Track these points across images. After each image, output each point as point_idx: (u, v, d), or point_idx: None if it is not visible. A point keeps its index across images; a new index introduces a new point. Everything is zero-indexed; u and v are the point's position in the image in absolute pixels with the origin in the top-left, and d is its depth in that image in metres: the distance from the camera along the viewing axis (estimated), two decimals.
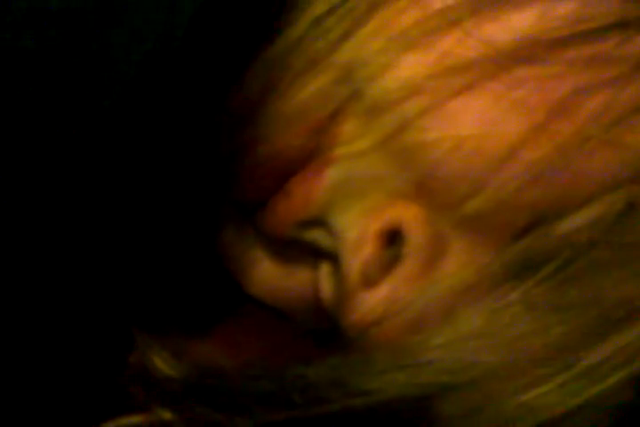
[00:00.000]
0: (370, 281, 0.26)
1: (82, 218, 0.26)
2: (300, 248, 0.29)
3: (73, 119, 0.24)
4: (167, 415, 0.28)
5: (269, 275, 0.30)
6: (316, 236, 0.27)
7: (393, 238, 0.26)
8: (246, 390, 0.26)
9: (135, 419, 0.30)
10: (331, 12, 0.25)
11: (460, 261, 0.26)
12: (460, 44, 0.25)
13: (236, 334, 0.31)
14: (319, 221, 0.27)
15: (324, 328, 0.30)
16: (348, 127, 0.26)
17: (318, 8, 0.26)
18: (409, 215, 0.26)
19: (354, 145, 0.26)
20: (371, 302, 0.25)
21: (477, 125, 0.25)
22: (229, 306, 0.32)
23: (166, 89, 0.24)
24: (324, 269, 0.28)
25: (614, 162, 0.25)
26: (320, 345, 0.29)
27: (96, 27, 0.23)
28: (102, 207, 0.26)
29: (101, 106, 0.23)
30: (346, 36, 0.25)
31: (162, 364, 0.29)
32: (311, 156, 0.26)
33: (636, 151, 0.25)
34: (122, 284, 0.29)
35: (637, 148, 0.25)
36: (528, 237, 0.25)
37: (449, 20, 0.24)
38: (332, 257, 0.28)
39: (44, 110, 0.23)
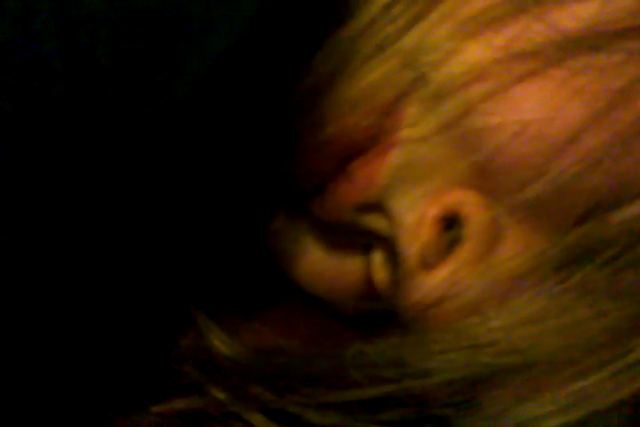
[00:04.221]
0: (428, 264, 0.26)
1: (139, 199, 0.26)
2: (353, 236, 0.29)
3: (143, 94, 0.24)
4: (221, 396, 0.29)
5: (319, 264, 0.30)
6: (374, 221, 0.28)
7: (450, 223, 0.27)
8: (303, 369, 0.27)
9: (185, 402, 0.30)
10: None
11: (518, 246, 0.26)
12: (526, 31, 0.25)
13: (289, 316, 0.31)
14: (378, 206, 0.28)
15: (364, 315, 0.30)
16: (413, 111, 0.26)
17: None
18: (468, 200, 0.26)
19: (417, 128, 0.26)
20: (430, 283, 0.26)
21: (540, 111, 0.25)
22: (283, 292, 0.32)
23: (237, 74, 0.25)
24: (379, 256, 0.29)
25: None
26: (361, 331, 0.29)
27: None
28: (160, 190, 0.27)
29: (177, 85, 0.24)
30: (414, 21, 0.26)
31: (219, 343, 0.29)
32: (374, 139, 0.27)
33: None
34: (179, 265, 0.29)
35: None
36: (587, 223, 0.26)
37: (516, 7, 0.25)
38: (388, 242, 0.28)
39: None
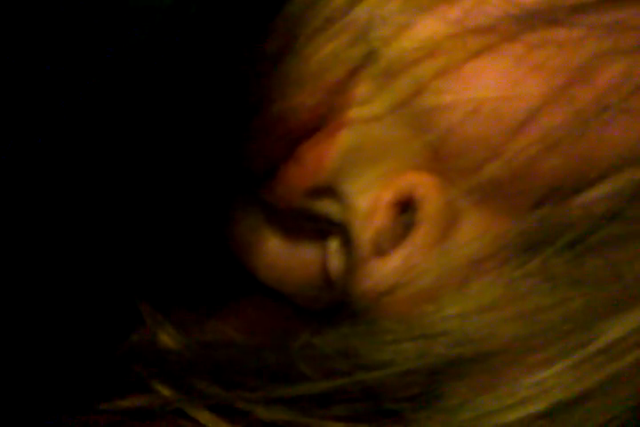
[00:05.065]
0: (382, 250, 0.25)
1: (90, 190, 0.25)
2: (307, 223, 0.28)
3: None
4: (167, 392, 0.28)
5: (276, 253, 0.29)
6: (326, 206, 0.27)
7: (405, 207, 0.26)
8: (251, 362, 0.26)
9: (133, 401, 0.29)
10: None
11: (475, 231, 0.25)
12: (482, 4, 0.24)
13: (247, 312, 0.30)
14: (329, 190, 0.27)
15: (324, 310, 0.29)
16: (363, 89, 0.25)
17: None
18: (422, 183, 0.25)
19: (368, 107, 0.25)
20: (383, 270, 0.25)
21: (495, 88, 0.24)
22: (240, 287, 0.31)
23: (185, 42, 0.23)
24: (333, 243, 0.28)
25: (632, 134, 0.25)
26: (313, 323, 0.28)
27: None
28: (112, 181, 0.26)
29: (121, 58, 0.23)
30: None
31: (167, 338, 0.28)
32: (325, 120, 0.26)
33: None
34: (130, 260, 0.28)
35: None
36: (546, 206, 0.25)
37: None
38: (342, 229, 0.27)
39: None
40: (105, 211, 0.26)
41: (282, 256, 0.29)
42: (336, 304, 0.28)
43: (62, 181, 0.24)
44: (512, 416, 0.25)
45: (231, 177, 0.29)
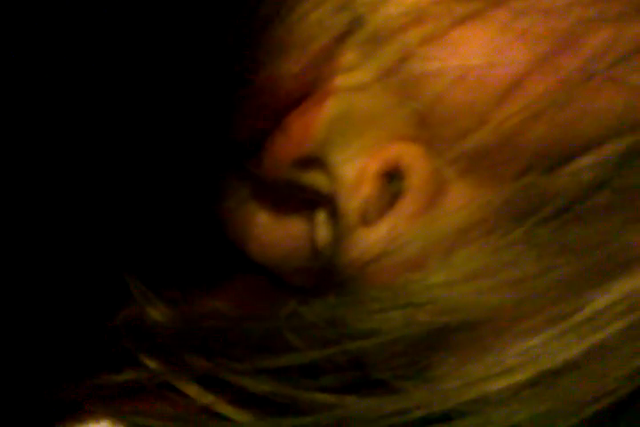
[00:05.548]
0: (368, 220, 0.25)
1: (81, 169, 0.25)
2: (296, 196, 0.28)
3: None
4: (153, 365, 0.27)
5: (264, 226, 0.29)
6: (313, 177, 0.27)
7: (392, 177, 0.26)
8: (237, 332, 0.26)
9: (122, 376, 0.29)
10: None
11: (462, 200, 0.25)
12: None
13: (237, 292, 0.30)
14: (316, 161, 0.26)
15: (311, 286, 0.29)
16: (349, 57, 0.25)
17: None
18: (408, 152, 0.25)
19: (354, 75, 0.25)
20: (370, 239, 0.25)
21: (482, 55, 0.24)
22: (231, 266, 0.31)
23: (171, 12, 0.23)
24: (321, 216, 0.28)
25: (618, 103, 0.25)
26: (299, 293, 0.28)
27: None
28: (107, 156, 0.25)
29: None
30: None
31: (155, 313, 0.28)
32: (311, 88, 0.25)
33: None
34: (122, 238, 0.28)
35: None
36: (531, 175, 0.25)
37: None
38: (329, 200, 0.27)
39: None
40: (96, 189, 0.26)
41: (270, 229, 0.29)
42: (322, 278, 0.28)
43: (52, 158, 0.24)
44: (498, 385, 0.25)
45: (219, 150, 0.29)
